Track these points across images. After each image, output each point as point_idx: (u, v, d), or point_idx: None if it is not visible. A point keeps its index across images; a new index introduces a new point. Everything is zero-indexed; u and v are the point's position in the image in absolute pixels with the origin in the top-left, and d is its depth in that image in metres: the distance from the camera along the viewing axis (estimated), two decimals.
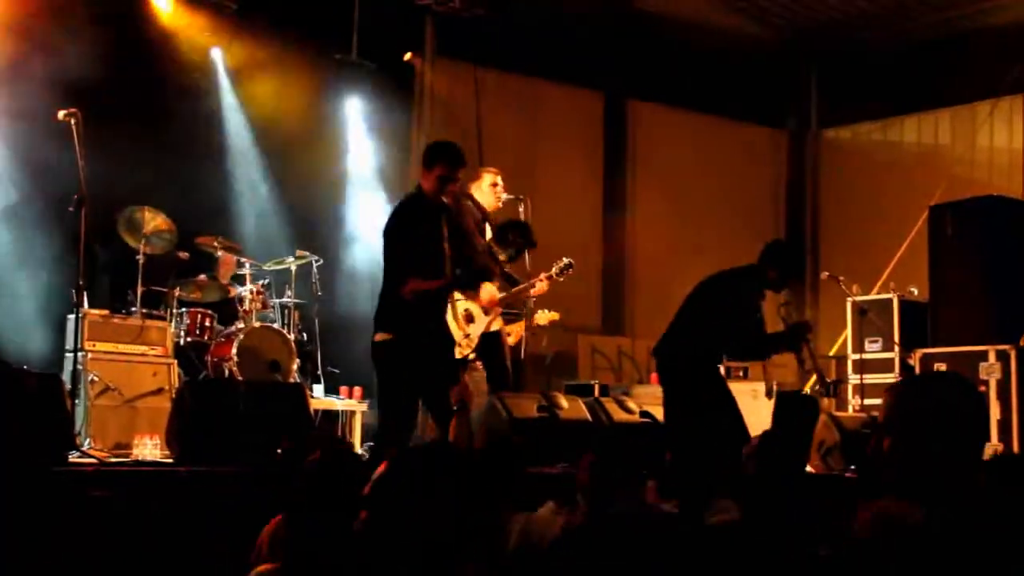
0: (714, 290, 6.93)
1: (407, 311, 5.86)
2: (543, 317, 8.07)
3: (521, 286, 7.65)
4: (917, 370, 8.95)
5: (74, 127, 6.52)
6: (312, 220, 10.40)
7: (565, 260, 7.84)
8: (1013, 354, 8.40)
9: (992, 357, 8.47)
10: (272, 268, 9.28)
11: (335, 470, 3.12)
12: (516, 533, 3.88)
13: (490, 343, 7.49)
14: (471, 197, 6.68)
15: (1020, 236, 9.08)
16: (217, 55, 10.22)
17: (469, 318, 7.37)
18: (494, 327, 7.49)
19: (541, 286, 7.63)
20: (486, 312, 7.44)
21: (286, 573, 3.01)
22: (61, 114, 6.60)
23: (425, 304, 5.92)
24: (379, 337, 5.96)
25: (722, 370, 9.43)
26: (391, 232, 5.98)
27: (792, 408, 7.45)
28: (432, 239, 5.95)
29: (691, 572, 3.06)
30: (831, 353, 11.48)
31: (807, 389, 10.30)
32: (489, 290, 7.49)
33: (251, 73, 10.33)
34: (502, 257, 6.39)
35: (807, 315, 6.85)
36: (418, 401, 6.12)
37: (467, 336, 7.34)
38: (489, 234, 7.58)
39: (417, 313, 5.90)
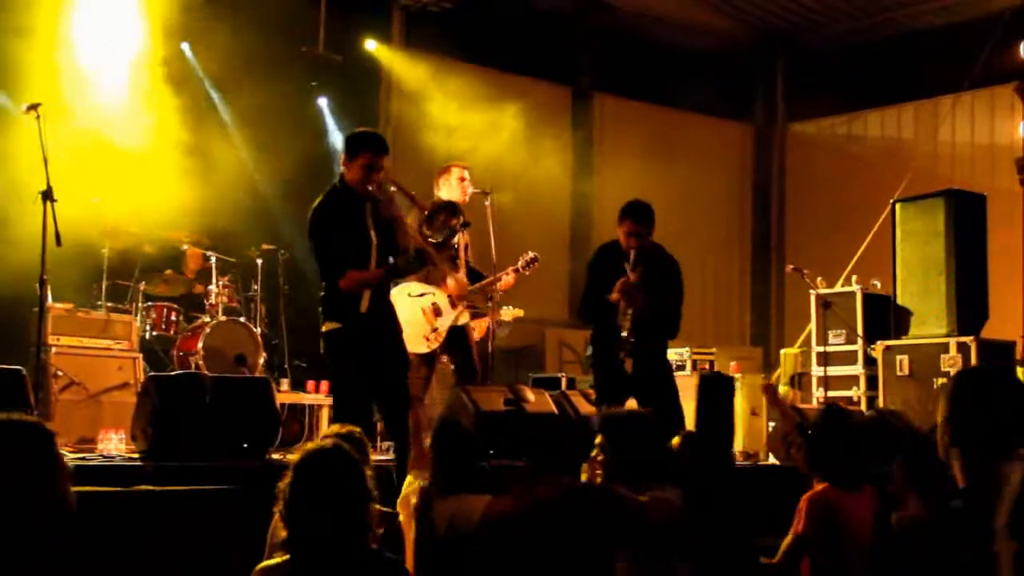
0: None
1: (350, 299, 5.85)
2: (508, 313, 8.09)
3: (487, 280, 7.67)
4: (880, 361, 9.03)
5: (37, 121, 6.47)
6: (278, 214, 10.36)
7: (531, 254, 7.87)
8: (974, 346, 8.49)
9: (953, 349, 8.57)
10: (237, 261, 9.25)
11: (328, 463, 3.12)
12: (445, 519, 3.92)
13: (457, 337, 7.52)
14: (398, 185, 6.48)
15: (981, 229, 9.19)
16: (186, 49, 10.18)
17: (437, 311, 7.39)
18: (461, 321, 7.53)
19: (507, 280, 7.66)
20: (453, 305, 7.46)
21: (294, 566, 3.01)
22: (24, 108, 6.56)
23: (366, 292, 5.89)
24: (326, 327, 5.94)
25: (686, 363, 9.57)
26: (315, 227, 5.93)
27: (714, 389, 7.47)
28: (358, 229, 5.90)
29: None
30: (796, 345, 11.55)
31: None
32: (459, 279, 7.51)
33: (220, 67, 10.29)
34: (432, 240, 6.31)
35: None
36: (371, 390, 6.06)
37: (435, 330, 7.37)
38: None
39: (360, 301, 5.88)
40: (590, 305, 6.79)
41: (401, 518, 4.34)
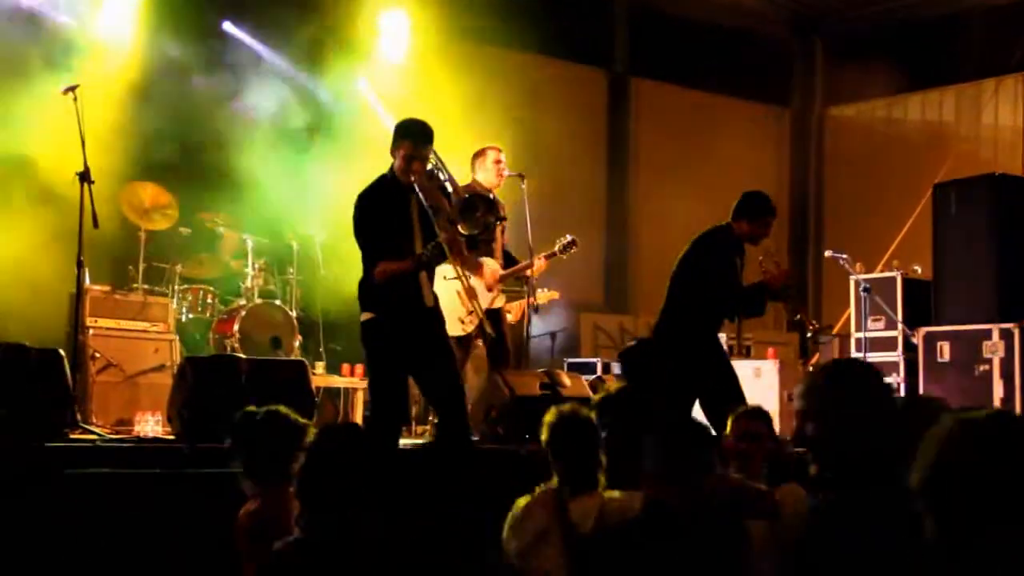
0: (693, 257, 6.90)
1: (387, 289, 5.83)
2: (543, 296, 8.05)
3: (519, 265, 7.63)
4: (920, 347, 8.93)
5: (74, 102, 6.48)
6: (316, 198, 10.36)
7: (569, 237, 7.81)
8: (1016, 332, 8.36)
9: (996, 335, 8.45)
10: (274, 244, 9.26)
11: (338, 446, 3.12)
12: (588, 517, 3.80)
13: (491, 320, 7.48)
14: (444, 171, 6.44)
15: (1023, 214, 9.05)
16: (229, 27, 10.21)
17: (472, 294, 7.36)
18: (496, 304, 7.50)
19: (539, 265, 7.60)
20: (489, 289, 7.44)
21: (304, 546, 3.02)
22: (62, 89, 6.57)
23: (402, 282, 5.85)
24: (364, 317, 5.94)
25: (724, 345, 9.49)
26: (359, 214, 5.92)
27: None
28: (401, 219, 5.88)
29: None
30: (834, 332, 11.45)
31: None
32: (491, 266, 7.48)
33: (252, 50, 10.31)
34: (465, 232, 6.26)
35: (786, 265, 6.80)
36: (407, 381, 6.06)
37: (470, 313, 7.34)
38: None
39: (397, 291, 5.85)
40: (748, 299, 6.93)
41: None
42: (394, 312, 5.85)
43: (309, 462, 3.06)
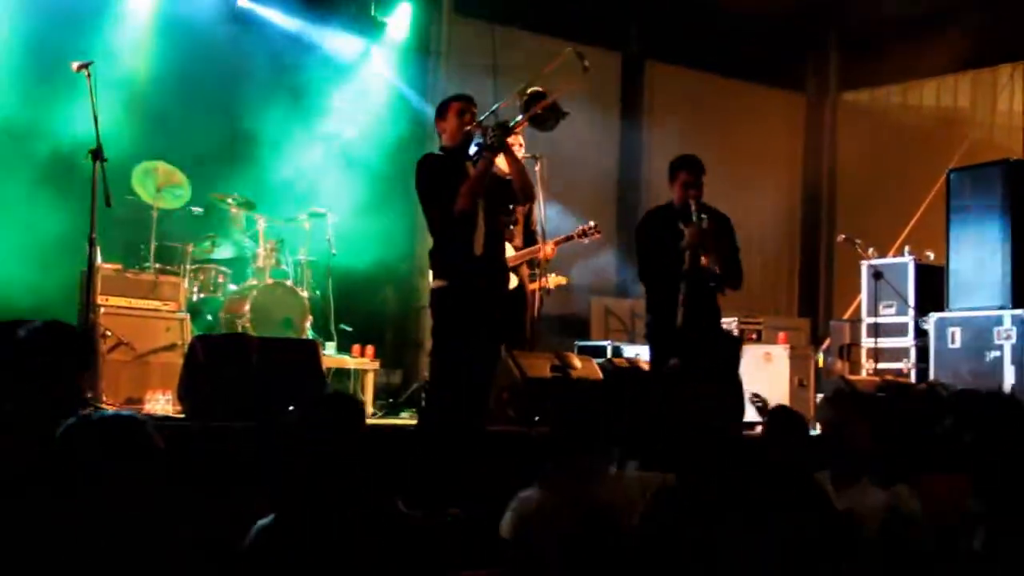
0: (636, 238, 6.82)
1: (458, 255, 5.82)
2: (552, 280, 8.04)
3: (529, 249, 7.63)
4: (931, 333, 8.90)
5: (88, 79, 6.48)
6: (327, 177, 10.37)
7: (591, 223, 7.81)
8: None
9: (1007, 321, 8.42)
10: (286, 225, 9.27)
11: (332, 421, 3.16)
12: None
13: (511, 300, 7.47)
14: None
15: None
16: (243, 9, 10.22)
17: None
18: (510, 285, 7.47)
19: (546, 251, 7.59)
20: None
21: (281, 523, 3.06)
22: (75, 66, 6.56)
23: (479, 238, 5.84)
24: (435, 284, 5.92)
25: (735, 330, 9.47)
26: (423, 178, 5.90)
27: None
28: (462, 182, 5.86)
29: None
30: (845, 317, 11.43)
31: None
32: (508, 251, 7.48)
33: (268, 25, 10.31)
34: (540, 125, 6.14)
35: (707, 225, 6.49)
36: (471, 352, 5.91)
37: None
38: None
39: (471, 250, 5.84)
40: (655, 266, 6.58)
41: None
42: (466, 279, 5.83)
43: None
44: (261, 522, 3.15)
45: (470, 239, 5.84)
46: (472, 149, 5.94)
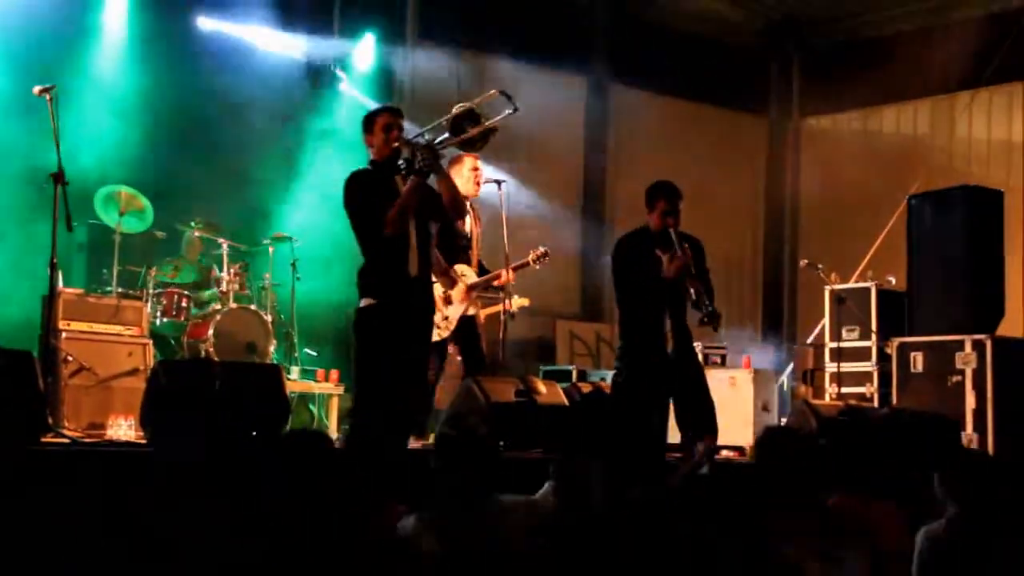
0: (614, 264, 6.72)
1: (391, 275, 5.76)
2: (515, 302, 8.04)
3: (488, 276, 7.62)
4: (894, 357, 8.96)
5: (49, 103, 6.43)
6: (291, 202, 10.35)
7: (542, 248, 7.83)
8: (989, 344, 8.40)
9: (968, 347, 8.49)
10: (249, 249, 9.24)
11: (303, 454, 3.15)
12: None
13: (466, 327, 7.47)
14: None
15: (997, 226, 9.10)
16: (194, 25, 10.20)
17: (447, 300, 7.36)
18: (470, 311, 7.49)
19: (506, 276, 7.58)
20: (464, 295, 7.42)
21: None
22: (37, 90, 6.51)
23: (413, 259, 5.79)
24: (364, 303, 5.83)
25: (700, 356, 9.50)
26: (351, 195, 5.79)
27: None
28: (392, 198, 5.80)
29: None
30: (808, 341, 11.50)
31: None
32: (465, 273, 7.46)
33: (231, 53, 10.28)
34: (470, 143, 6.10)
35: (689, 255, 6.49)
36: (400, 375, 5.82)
37: (446, 318, 7.33)
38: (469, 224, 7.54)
39: (404, 273, 5.80)
40: (636, 292, 6.51)
41: None
42: (397, 299, 5.73)
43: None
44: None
45: (404, 259, 5.80)
46: (400, 163, 5.83)
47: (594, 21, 13.11)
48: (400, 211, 5.67)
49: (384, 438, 5.63)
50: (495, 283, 7.61)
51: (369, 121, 5.96)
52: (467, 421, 4.95)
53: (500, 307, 7.81)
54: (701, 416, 6.36)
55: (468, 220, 7.53)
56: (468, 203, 7.48)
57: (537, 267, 7.83)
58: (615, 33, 13.04)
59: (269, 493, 3.09)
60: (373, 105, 11.03)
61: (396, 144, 5.81)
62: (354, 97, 11.11)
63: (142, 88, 9.55)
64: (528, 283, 8.21)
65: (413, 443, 6.60)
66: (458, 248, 7.46)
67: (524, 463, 5.73)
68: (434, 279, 6.79)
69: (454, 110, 5.98)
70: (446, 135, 5.87)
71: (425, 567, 3.55)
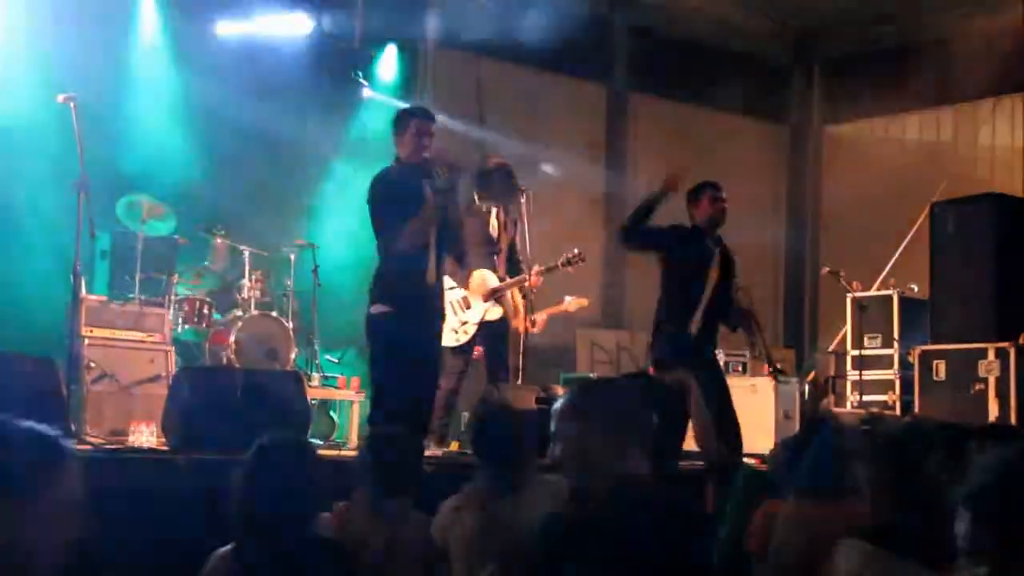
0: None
1: (405, 281, 5.77)
2: (573, 304, 8.08)
3: (514, 279, 7.61)
4: (916, 365, 8.92)
5: (73, 111, 6.47)
6: (314, 209, 10.38)
7: (575, 250, 7.79)
8: (1012, 352, 8.36)
9: (991, 355, 8.44)
10: (271, 256, 9.26)
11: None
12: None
13: (490, 332, 7.45)
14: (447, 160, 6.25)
15: (1021, 234, 9.05)
16: (216, 33, 10.25)
17: (466, 304, 7.35)
18: (491, 316, 7.45)
19: (534, 279, 7.59)
20: (484, 299, 7.42)
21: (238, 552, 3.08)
22: (60, 97, 6.56)
23: (431, 268, 5.81)
24: (375, 309, 5.83)
25: (721, 362, 9.49)
26: (375, 197, 5.83)
27: None
28: (417, 204, 5.80)
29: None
30: (830, 349, 11.46)
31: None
32: (487, 278, 7.45)
33: (251, 58, 10.33)
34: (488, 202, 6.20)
35: (751, 304, 6.70)
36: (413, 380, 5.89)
37: (464, 323, 7.33)
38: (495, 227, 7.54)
39: (423, 286, 5.80)
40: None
41: None
42: (410, 305, 5.77)
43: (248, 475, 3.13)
44: (219, 550, 3.17)
45: (419, 265, 5.81)
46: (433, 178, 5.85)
47: (613, 30, 13.11)
48: (416, 229, 5.69)
49: (399, 439, 5.64)
50: (525, 286, 7.57)
51: (402, 121, 5.94)
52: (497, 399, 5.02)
53: (562, 307, 7.86)
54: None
55: (494, 224, 7.53)
56: (498, 208, 7.50)
57: (570, 269, 7.78)
58: (634, 42, 13.03)
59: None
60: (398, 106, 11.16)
61: (427, 156, 5.83)
62: (377, 104, 11.14)
63: (169, 96, 9.60)
64: (549, 291, 8.20)
65: (434, 450, 6.63)
66: (484, 254, 7.48)
67: (543, 469, 5.71)
68: (455, 284, 6.82)
69: (492, 162, 6.07)
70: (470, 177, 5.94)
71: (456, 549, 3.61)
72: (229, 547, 3.17)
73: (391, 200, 5.78)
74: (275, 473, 3.12)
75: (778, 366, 6.38)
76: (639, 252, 7.11)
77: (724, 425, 6.25)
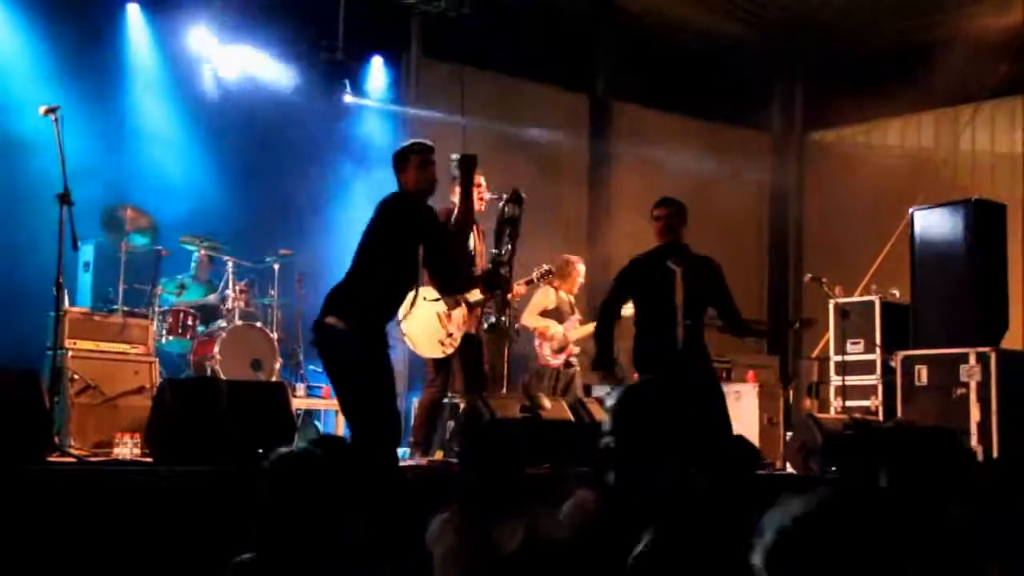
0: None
1: (392, 302, 5.79)
2: (576, 332, 8.32)
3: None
4: (898, 370, 8.97)
5: (55, 123, 6.47)
6: (297, 219, 10.38)
7: (545, 266, 7.87)
8: (993, 356, 8.42)
9: (972, 359, 8.50)
10: (255, 266, 9.26)
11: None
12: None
13: (468, 344, 7.47)
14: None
15: (1001, 239, 9.12)
16: (203, 50, 10.24)
17: (451, 317, 7.37)
18: (473, 328, 7.48)
19: (518, 290, 7.62)
20: (468, 311, 7.43)
21: (260, 562, 3.07)
22: (42, 109, 6.55)
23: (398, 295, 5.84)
24: (348, 325, 5.77)
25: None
26: (410, 228, 5.81)
27: None
28: (414, 238, 5.82)
29: None
30: (813, 355, 11.50)
31: None
32: (467, 295, 7.47)
33: (236, 69, 10.34)
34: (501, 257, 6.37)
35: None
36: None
37: (450, 335, 7.34)
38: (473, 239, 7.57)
39: (396, 306, 5.84)
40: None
41: None
42: (380, 322, 5.79)
43: (266, 489, 3.12)
44: (240, 558, 3.14)
45: (407, 290, 5.85)
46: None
47: (595, 38, 13.15)
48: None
49: (373, 453, 5.62)
50: (508, 298, 7.58)
51: (402, 158, 5.93)
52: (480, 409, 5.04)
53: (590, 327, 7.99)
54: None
55: (472, 237, 7.55)
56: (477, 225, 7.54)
57: (541, 284, 7.88)
58: (616, 50, 13.08)
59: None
60: (381, 120, 11.19)
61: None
62: (361, 115, 11.18)
63: (152, 110, 9.61)
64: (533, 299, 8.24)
65: (419, 460, 6.64)
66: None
67: (530, 479, 5.73)
68: (438, 297, 6.83)
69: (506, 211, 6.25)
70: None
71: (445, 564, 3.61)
72: (250, 556, 3.14)
73: (430, 228, 5.79)
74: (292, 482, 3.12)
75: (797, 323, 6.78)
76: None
77: None
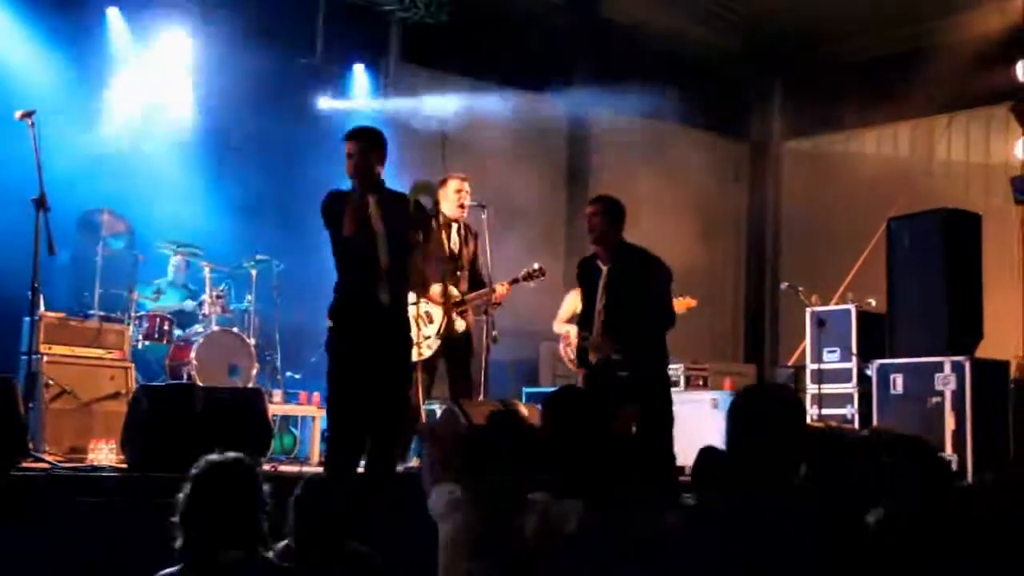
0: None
1: (353, 298, 5.72)
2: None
3: (481, 291, 7.62)
4: (874, 379, 9.02)
5: (31, 128, 6.44)
6: (275, 224, 10.34)
7: (536, 266, 7.84)
8: (968, 365, 8.47)
9: (947, 368, 8.54)
10: (231, 272, 9.23)
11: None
12: (533, 522, 3.75)
13: (452, 345, 7.45)
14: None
15: (976, 248, 9.17)
16: (181, 56, 10.21)
17: (429, 319, 7.36)
18: (457, 328, 7.42)
19: (501, 291, 7.60)
20: (446, 313, 7.40)
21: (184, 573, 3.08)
22: (18, 114, 6.52)
23: (380, 284, 5.76)
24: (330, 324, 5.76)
25: (680, 379, 9.58)
26: (325, 215, 5.82)
27: None
28: (329, 229, 5.79)
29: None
30: (790, 363, 11.55)
31: None
32: (440, 292, 7.43)
33: (214, 75, 10.31)
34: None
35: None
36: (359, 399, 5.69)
37: (427, 337, 7.33)
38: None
39: (356, 297, 5.73)
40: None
41: None
42: (358, 320, 5.66)
43: (192, 495, 3.12)
44: (165, 571, 3.16)
45: (356, 286, 5.79)
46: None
47: (574, 45, 13.18)
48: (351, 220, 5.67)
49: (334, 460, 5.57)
50: (493, 298, 7.55)
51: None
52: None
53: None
54: None
55: (455, 239, 7.56)
56: (459, 224, 7.55)
57: (531, 284, 7.84)
58: (595, 57, 13.11)
59: None
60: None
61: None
62: (340, 121, 11.14)
63: (129, 115, 9.57)
64: (512, 305, 8.22)
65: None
66: (445, 269, 7.49)
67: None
68: (417, 298, 6.82)
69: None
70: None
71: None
72: (176, 568, 3.15)
73: (335, 216, 5.76)
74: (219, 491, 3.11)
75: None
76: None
77: None
